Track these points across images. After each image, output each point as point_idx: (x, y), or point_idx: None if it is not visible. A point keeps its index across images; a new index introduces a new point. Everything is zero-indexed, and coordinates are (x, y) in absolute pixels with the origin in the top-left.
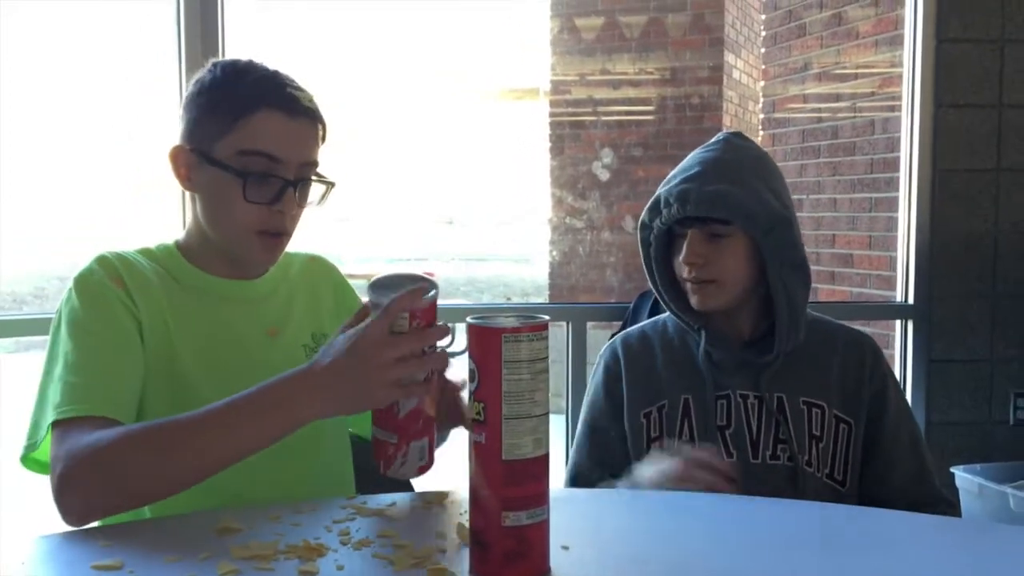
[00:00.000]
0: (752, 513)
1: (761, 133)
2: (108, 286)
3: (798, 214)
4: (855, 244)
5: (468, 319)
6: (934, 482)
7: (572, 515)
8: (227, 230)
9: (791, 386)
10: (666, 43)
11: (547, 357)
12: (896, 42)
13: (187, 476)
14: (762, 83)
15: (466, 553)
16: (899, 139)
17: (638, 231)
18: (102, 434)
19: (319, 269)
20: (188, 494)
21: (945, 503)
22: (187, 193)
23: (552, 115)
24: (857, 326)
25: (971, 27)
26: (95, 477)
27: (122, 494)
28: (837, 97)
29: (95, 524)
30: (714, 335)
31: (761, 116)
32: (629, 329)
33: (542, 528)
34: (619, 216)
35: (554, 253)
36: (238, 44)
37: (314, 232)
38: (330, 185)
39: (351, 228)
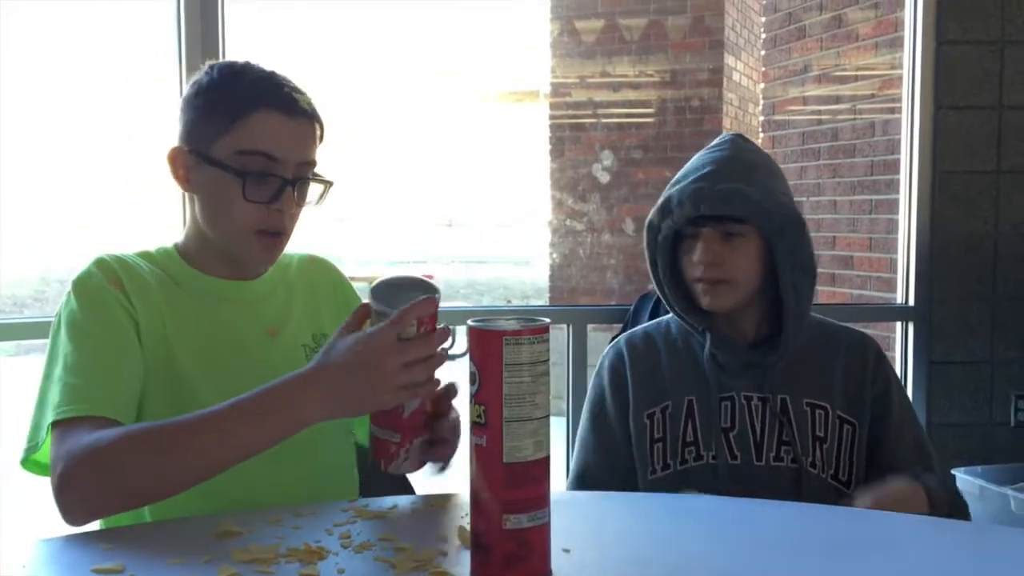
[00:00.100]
0: (753, 515)
1: (761, 135)
2: (106, 288)
3: None
4: (855, 246)
5: (469, 322)
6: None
7: (573, 518)
8: (226, 230)
9: (794, 388)
10: (666, 45)
11: (548, 360)
12: (896, 44)
13: (187, 477)
14: (762, 85)
15: (467, 556)
16: (899, 141)
17: (644, 232)
18: (102, 434)
19: (318, 269)
20: (190, 497)
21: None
22: (186, 194)
23: (552, 117)
24: (858, 328)
25: (971, 29)
26: (95, 477)
27: (122, 494)
28: (837, 99)
29: (96, 527)
30: (718, 337)
31: (761, 118)
32: (633, 330)
33: (543, 531)
34: (619, 218)
35: (554, 255)
36: (238, 44)
37: (314, 233)
38: (328, 184)
39: (351, 230)
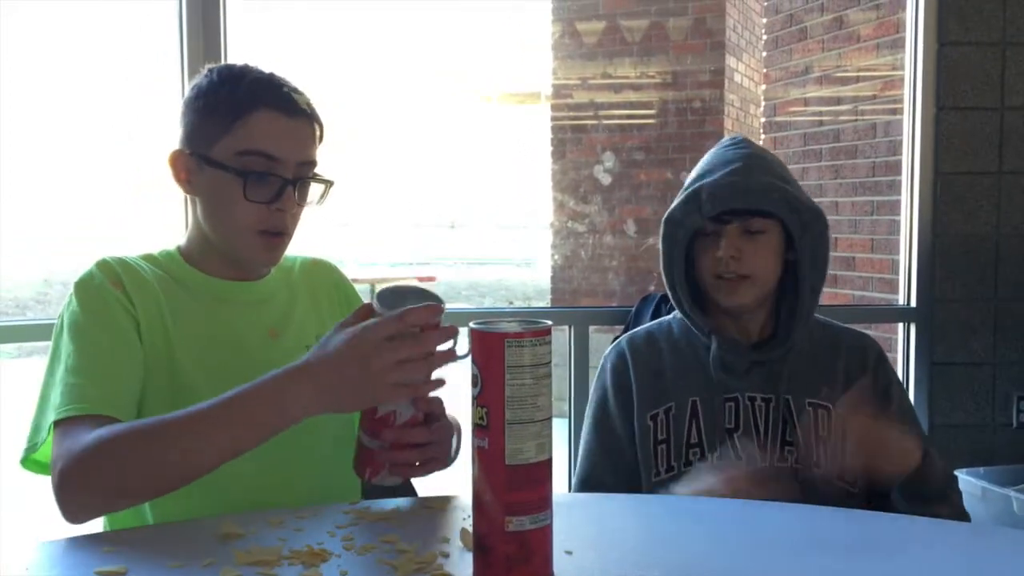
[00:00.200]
0: (755, 517)
1: (763, 137)
2: (107, 289)
3: None
4: (857, 247)
5: (471, 324)
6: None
7: (575, 520)
8: (228, 231)
9: (797, 389)
10: (667, 47)
11: (550, 362)
12: (897, 45)
13: (182, 473)
14: (763, 87)
15: (469, 558)
16: (901, 142)
17: (662, 227)
18: (99, 432)
19: (320, 271)
20: (192, 498)
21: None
22: (188, 197)
23: (554, 119)
24: (859, 329)
25: (972, 30)
26: (91, 475)
27: (119, 491)
28: (838, 100)
29: (99, 529)
30: (724, 338)
31: (762, 120)
32: (634, 330)
33: (545, 533)
34: (621, 220)
35: (556, 257)
36: (240, 45)
37: (316, 236)
38: (329, 184)
39: (353, 232)
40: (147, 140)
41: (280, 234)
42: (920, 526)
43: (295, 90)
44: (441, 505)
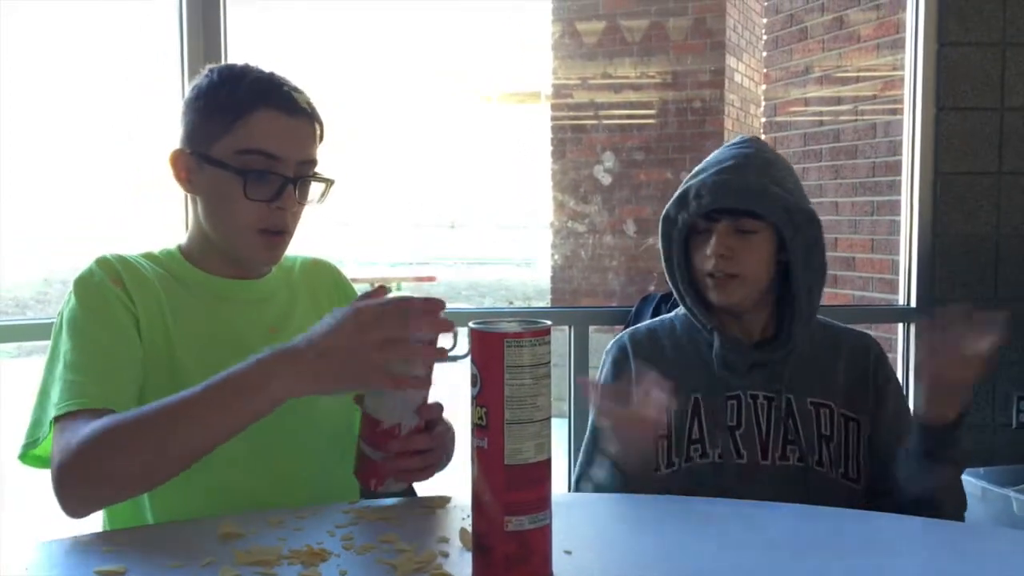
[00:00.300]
0: (755, 517)
1: (763, 137)
2: (107, 286)
3: None
4: (857, 247)
5: (470, 324)
6: None
7: (575, 519)
8: (229, 230)
9: (799, 387)
10: (667, 47)
11: (549, 362)
12: (897, 45)
13: (181, 455)
14: (763, 87)
15: (468, 558)
16: (901, 142)
17: (660, 225)
18: (95, 424)
19: (321, 271)
20: (192, 498)
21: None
22: (188, 196)
23: (554, 119)
24: (860, 329)
25: (972, 30)
26: (91, 466)
27: (119, 482)
28: (839, 100)
29: (99, 528)
30: (726, 336)
31: (763, 120)
32: (636, 326)
33: (544, 533)
34: (621, 220)
35: (556, 257)
36: (240, 45)
37: (316, 236)
38: (329, 182)
39: (353, 232)
40: (147, 140)
41: (280, 233)
42: (919, 526)
43: (295, 89)
44: (440, 505)
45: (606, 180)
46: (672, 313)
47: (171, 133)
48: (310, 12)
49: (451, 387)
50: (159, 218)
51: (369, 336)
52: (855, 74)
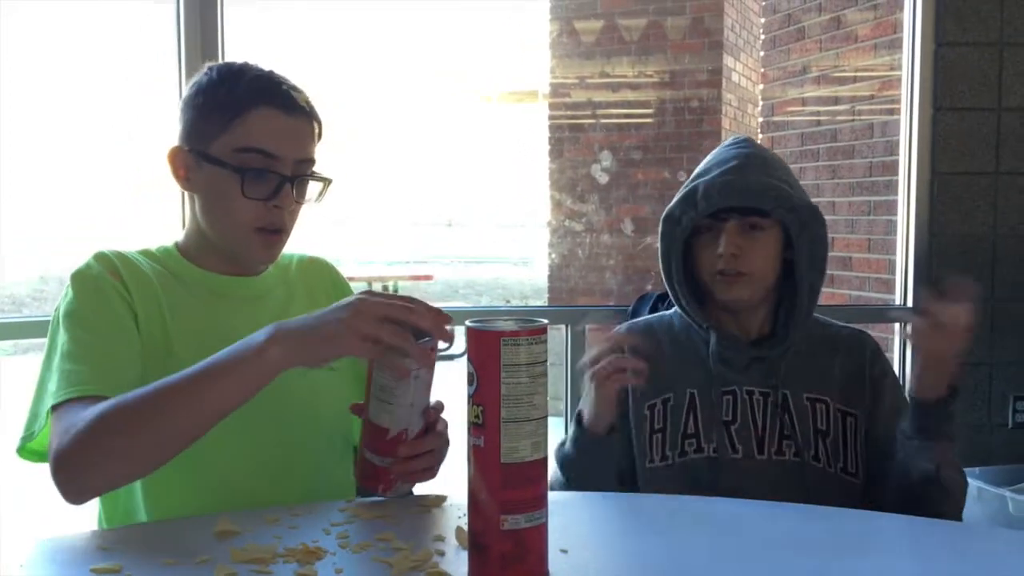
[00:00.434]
0: (750, 516)
1: (760, 136)
2: (105, 279)
3: None
4: (854, 247)
5: (467, 322)
6: None
7: (571, 518)
8: (226, 228)
9: (795, 383)
10: (665, 46)
11: (546, 361)
12: (895, 45)
13: (179, 435)
14: (761, 86)
15: (464, 556)
16: (898, 142)
17: (661, 224)
18: (92, 409)
19: (317, 269)
20: (187, 495)
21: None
22: (186, 194)
23: (551, 118)
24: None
25: (970, 30)
26: (90, 451)
27: (118, 465)
28: (836, 100)
29: (94, 527)
30: (723, 335)
31: (760, 119)
32: (634, 320)
33: (540, 531)
34: (618, 219)
35: (553, 256)
36: (238, 44)
37: (313, 234)
38: (327, 181)
39: (351, 230)
40: (147, 140)
41: (278, 231)
42: (919, 526)
43: (294, 88)
44: (436, 503)
45: (603, 179)
46: (671, 310)
47: (170, 133)
48: (308, 12)
49: (446, 384)
50: (158, 218)
51: (369, 310)
52: (852, 74)
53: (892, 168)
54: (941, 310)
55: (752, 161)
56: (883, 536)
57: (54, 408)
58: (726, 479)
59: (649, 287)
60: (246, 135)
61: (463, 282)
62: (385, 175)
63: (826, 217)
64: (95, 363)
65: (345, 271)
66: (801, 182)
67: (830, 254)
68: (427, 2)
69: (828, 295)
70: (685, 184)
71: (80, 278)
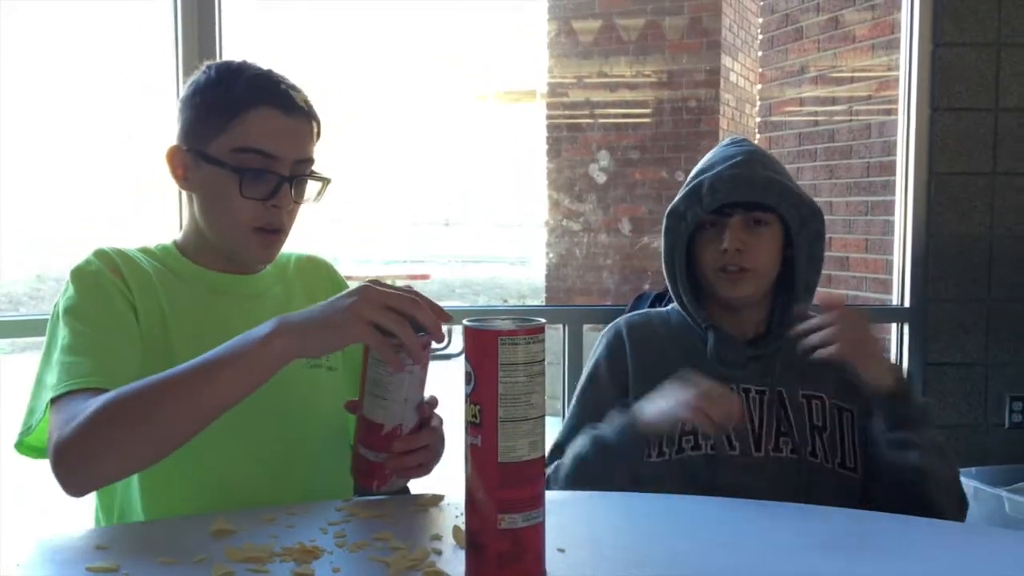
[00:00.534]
0: (747, 515)
1: (758, 136)
2: (105, 275)
3: None
4: (851, 247)
5: (464, 321)
6: None
7: (568, 517)
8: (224, 228)
9: (790, 380)
10: (663, 46)
11: (543, 360)
12: (893, 46)
13: (181, 426)
14: (759, 86)
15: (462, 555)
16: (895, 143)
17: (664, 220)
18: (93, 400)
19: (315, 268)
20: (185, 494)
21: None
22: (185, 193)
23: (549, 117)
24: None
25: (967, 31)
26: (90, 442)
27: (118, 457)
28: (834, 100)
29: (91, 526)
30: (720, 334)
31: (758, 119)
32: (632, 313)
33: (538, 530)
34: (616, 219)
35: (551, 255)
36: (236, 43)
37: (310, 233)
38: (326, 181)
39: (348, 229)
40: (146, 140)
41: (276, 231)
42: (918, 526)
43: (293, 87)
44: (434, 502)
45: (601, 179)
46: (669, 306)
47: (169, 133)
48: (306, 12)
49: (443, 383)
50: (157, 217)
51: (374, 297)
52: (850, 74)
53: (889, 168)
54: (822, 321)
55: (755, 157)
56: (884, 536)
57: (54, 401)
58: (724, 476)
59: (647, 286)
60: (245, 135)
61: (460, 281)
62: (383, 174)
63: (824, 217)
64: (96, 356)
65: (342, 270)
66: (799, 182)
67: (827, 254)
68: (426, 2)
69: (825, 295)
70: (687, 181)
71: (80, 274)
